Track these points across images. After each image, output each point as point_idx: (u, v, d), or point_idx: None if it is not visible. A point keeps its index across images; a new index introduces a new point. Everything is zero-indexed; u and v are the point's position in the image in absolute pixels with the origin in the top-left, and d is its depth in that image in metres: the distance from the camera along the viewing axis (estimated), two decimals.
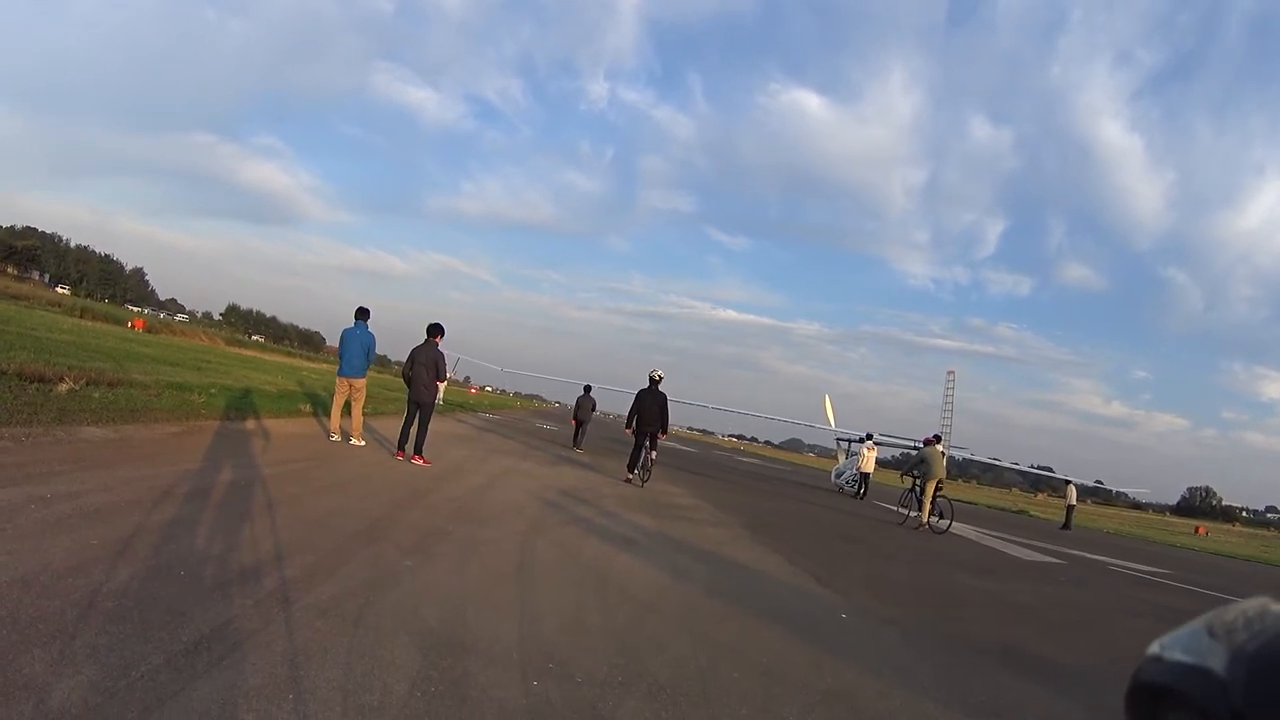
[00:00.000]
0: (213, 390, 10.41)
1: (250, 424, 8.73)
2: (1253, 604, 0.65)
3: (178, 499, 4.31)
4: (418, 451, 8.60)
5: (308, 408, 11.60)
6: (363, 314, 9.21)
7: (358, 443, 8.83)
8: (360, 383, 9.11)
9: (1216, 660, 0.60)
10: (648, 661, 3.10)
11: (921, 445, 13.47)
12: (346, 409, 9.15)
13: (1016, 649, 4.78)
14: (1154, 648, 0.68)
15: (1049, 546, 14.31)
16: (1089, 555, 14.04)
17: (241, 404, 9.90)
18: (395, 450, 8.66)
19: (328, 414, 9.85)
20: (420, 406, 8.81)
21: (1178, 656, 0.65)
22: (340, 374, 9.19)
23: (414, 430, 8.69)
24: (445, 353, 9.38)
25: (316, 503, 5.10)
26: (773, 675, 3.24)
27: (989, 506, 34.63)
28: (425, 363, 8.96)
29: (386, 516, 5.05)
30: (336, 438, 9.01)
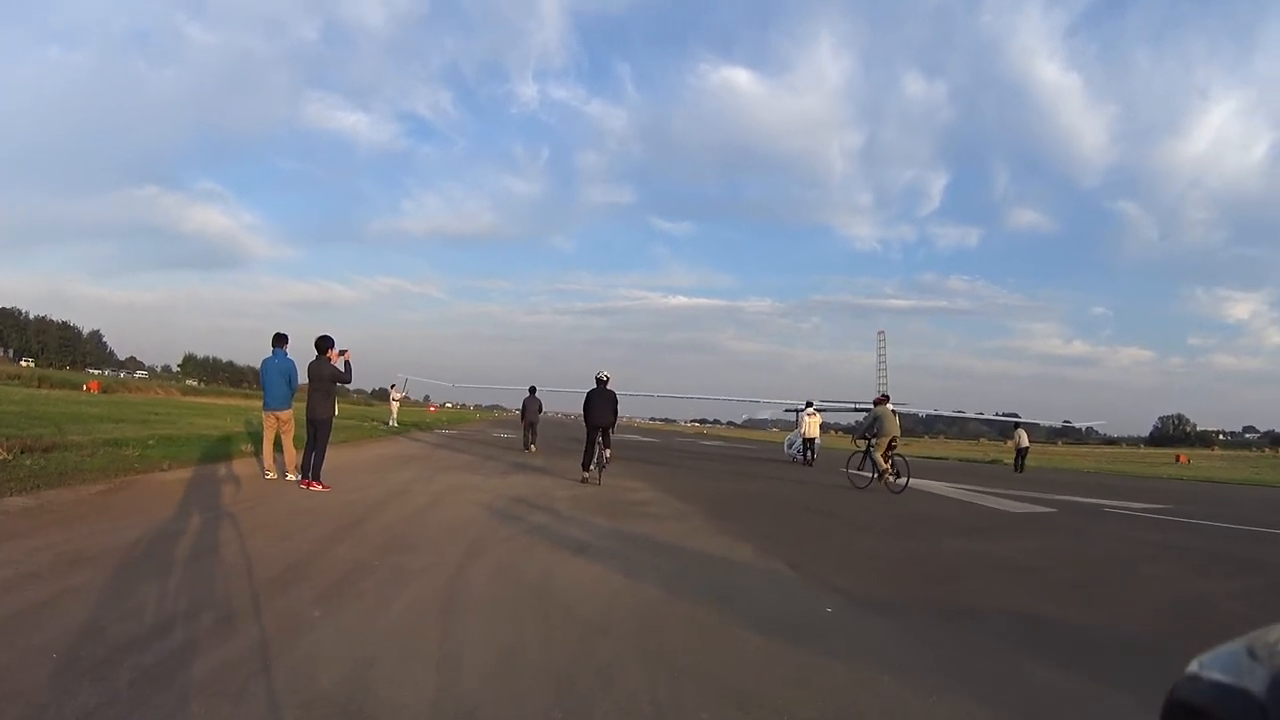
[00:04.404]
0: (150, 442, 10.16)
1: (184, 472, 8.44)
2: None
3: (81, 566, 4.14)
4: (315, 477, 8.12)
5: (249, 448, 11.27)
6: (280, 340, 8.75)
7: (293, 478, 8.53)
8: (286, 414, 8.77)
9: (1255, 682, 0.58)
10: (593, 703, 2.67)
11: (872, 406, 13.75)
12: (279, 444, 8.84)
13: (1034, 622, 4.30)
14: (1192, 666, 0.67)
15: (1034, 495, 13.65)
16: (1079, 499, 13.48)
17: (179, 452, 9.62)
18: (300, 479, 8.25)
19: None
20: (315, 425, 8.42)
21: (1215, 676, 0.63)
22: (265, 408, 8.80)
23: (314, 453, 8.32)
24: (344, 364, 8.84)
25: (233, 551, 4.91)
26: (750, 703, 2.76)
27: (960, 460, 34.93)
28: (316, 378, 8.57)
29: (308, 555, 4.90)
30: (272, 475, 8.69)
